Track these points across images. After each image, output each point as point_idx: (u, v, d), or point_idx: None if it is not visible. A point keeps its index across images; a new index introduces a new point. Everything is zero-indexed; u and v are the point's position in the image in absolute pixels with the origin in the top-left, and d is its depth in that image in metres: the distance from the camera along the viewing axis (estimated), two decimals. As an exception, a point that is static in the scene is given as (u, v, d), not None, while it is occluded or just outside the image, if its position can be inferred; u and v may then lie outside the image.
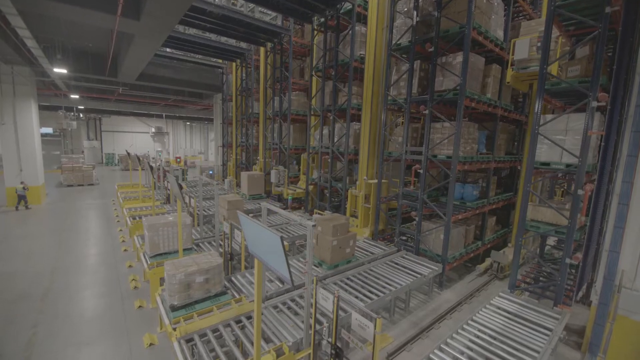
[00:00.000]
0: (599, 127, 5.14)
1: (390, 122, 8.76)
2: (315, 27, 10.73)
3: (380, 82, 8.66)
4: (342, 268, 6.30)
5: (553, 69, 5.39)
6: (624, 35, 4.87)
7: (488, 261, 7.91)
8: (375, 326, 3.22)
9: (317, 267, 6.44)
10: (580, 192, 4.97)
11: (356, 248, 7.64)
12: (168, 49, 15.71)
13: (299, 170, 13.60)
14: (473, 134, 7.33)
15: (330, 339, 3.65)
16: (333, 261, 6.31)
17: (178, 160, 31.26)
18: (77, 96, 21.37)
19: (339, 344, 3.65)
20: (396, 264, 6.78)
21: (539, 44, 5.82)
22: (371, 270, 6.40)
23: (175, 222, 6.42)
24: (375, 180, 8.59)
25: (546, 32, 5.10)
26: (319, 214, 9.51)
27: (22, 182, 12.97)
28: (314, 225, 3.71)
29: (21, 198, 12.90)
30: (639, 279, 4.36)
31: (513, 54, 6.47)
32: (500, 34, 7.48)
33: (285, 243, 3.58)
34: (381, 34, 8.59)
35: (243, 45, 14.90)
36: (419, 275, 6.20)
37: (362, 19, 9.90)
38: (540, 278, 6.84)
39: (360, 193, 8.90)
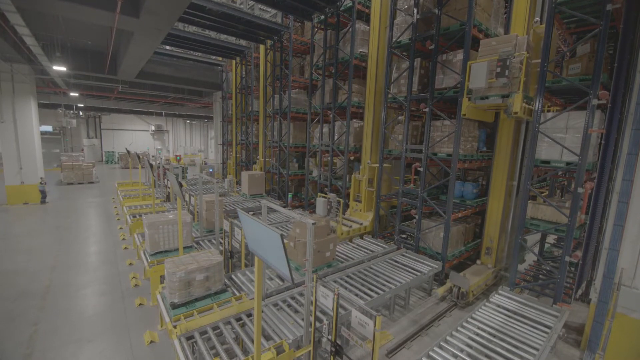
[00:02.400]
0: (599, 125, 5.14)
1: (391, 119, 8.75)
2: (315, 25, 10.69)
3: (384, 80, 8.66)
4: (322, 273, 5.91)
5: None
6: (625, 32, 4.86)
7: (448, 284, 6.49)
8: (375, 324, 3.23)
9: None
10: (580, 190, 4.97)
11: (356, 246, 7.67)
12: (167, 47, 15.66)
13: (298, 168, 13.59)
14: (473, 132, 7.31)
15: (330, 337, 3.66)
16: None
17: (178, 158, 31.24)
18: (76, 94, 21.32)
19: (339, 342, 3.67)
20: (396, 261, 6.79)
21: (498, 69, 5.07)
22: (371, 268, 6.41)
23: (175, 220, 6.42)
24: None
25: (547, 30, 5.08)
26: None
27: (41, 178, 13.66)
28: (314, 224, 3.72)
29: (43, 193, 13.65)
30: (638, 277, 4.37)
31: (469, 80, 5.55)
32: (501, 31, 7.45)
33: (286, 241, 3.59)
34: (384, 32, 8.54)
35: (243, 42, 14.85)
36: (418, 273, 6.21)
37: (363, 17, 9.87)
38: (540, 276, 6.85)
39: (364, 177, 8.96)
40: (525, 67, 5.14)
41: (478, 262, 7.31)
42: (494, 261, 7.10)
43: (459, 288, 6.33)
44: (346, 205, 9.67)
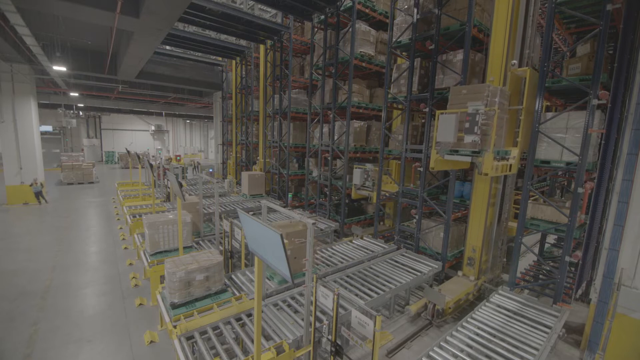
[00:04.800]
0: (599, 125, 5.14)
1: (397, 119, 8.77)
2: (315, 25, 10.69)
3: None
4: (321, 273, 5.80)
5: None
6: (625, 32, 4.86)
7: (422, 300, 5.84)
8: (375, 324, 3.23)
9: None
10: (580, 190, 4.97)
11: (356, 246, 7.66)
12: (167, 47, 15.66)
13: (298, 168, 13.58)
14: (473, 132, 7.30)
15: (330, 337, 3.66)
16: None
17: (178, 158, 31.26)
18: (76, 94, 21.33)
19: (339, 342, 3.67)
20: (396, 261, 6.80)
21: (467, 125, 4.59)
22: (371, 268, 6.41)
23: (175, 220, 6.42)
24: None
25: (547, 30, 5.08)
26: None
27: (34, 179, 13.46)
28: (314, 224, 3.72)
29: (38, 194, 13.49)
30: (638, 277, 4.37)
31: (437, 132, 5.02)
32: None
33: (286, 241, 3.58)
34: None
35: (243, 42, 14.85)
36: (418, 273, 6.21)
37: (363, 17, 9.87)
38: (540, 276, 6.85)
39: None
40: (496, 124, 4.64)
41: (459, 273, 6.74)
42: (476, 272, 6.51)
43: (434, 305, 5.65)
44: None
